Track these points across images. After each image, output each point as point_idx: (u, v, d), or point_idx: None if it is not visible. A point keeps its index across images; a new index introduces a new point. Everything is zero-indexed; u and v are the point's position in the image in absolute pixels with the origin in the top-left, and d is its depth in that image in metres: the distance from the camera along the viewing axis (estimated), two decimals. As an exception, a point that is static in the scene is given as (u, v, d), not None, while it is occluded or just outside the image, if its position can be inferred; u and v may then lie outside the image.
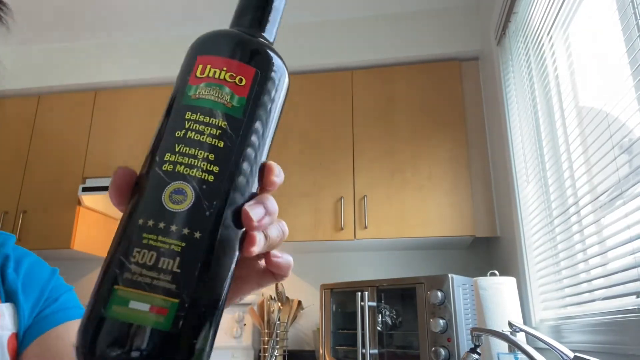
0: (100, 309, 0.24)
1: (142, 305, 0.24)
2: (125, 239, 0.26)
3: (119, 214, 2.35)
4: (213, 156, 0.27)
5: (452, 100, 2.37)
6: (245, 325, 2.39)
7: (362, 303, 1.85)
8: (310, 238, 2.27)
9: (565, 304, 1.44)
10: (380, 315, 1.86)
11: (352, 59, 2.54)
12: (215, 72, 0.29)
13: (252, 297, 2.43)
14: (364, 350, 1.80)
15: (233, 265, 0.28)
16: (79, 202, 2.51)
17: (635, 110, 1.03)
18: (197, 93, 0.29)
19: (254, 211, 0.28)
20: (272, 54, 0.32)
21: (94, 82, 2.76)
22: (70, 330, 0.60)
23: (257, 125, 0.29)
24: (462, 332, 1.68)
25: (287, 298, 2.38)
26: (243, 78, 0.29)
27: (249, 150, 0.29)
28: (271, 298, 2.35)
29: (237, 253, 0.28)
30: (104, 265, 0.26)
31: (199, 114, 0.28)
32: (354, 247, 2.43)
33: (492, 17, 2.12)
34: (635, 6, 1.04)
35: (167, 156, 0.27)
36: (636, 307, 1.02)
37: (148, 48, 2.79)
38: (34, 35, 2.80)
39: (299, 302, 2.40)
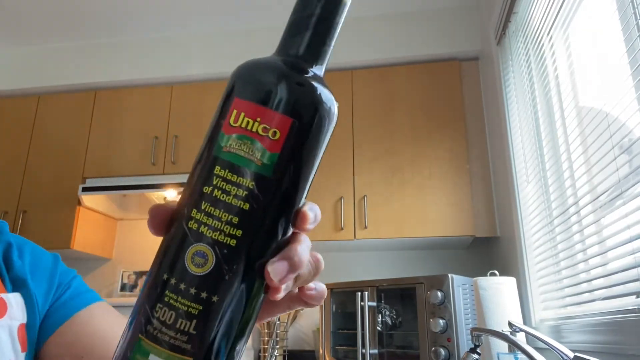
0: (127, 353, 0.26)
1: None
2: (153, 290, 0.27)
3: (119, 214, 2.34)
4: (237, 219, 0.26)
5: (452, 100, 2.37)
6: (245, 325, 2.39)
7: (362, 303, 1.85)
8: (310, 238, 2.26)
9: (565, 304, 1.44)
10: (380, 315, 1.86)
11: (352, 59, 2.54)
12: (249, 122, 0.27)
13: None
14: (363, 350, 1.80)
15: (253, 321, 0.28)
16: (79, 202, 2.51)
17: (635, 110, 1.03)
18: (228, 145, 0.27)
19: (276, 271, 0.27)
20: (317, 94, 0.28)
21: (94, 82, 2.76)
22: (93, 314, 0.59)
23: (287, 183, 0.27)
24: (462, 332, 1.68)
25: (287, 298, 2.38)
26: (277, 131, 0.27)
27: (277, 210, 0.27)
28: (271, 298, 2.34)
29: (260, 302, 0.29)
30: (137, 304, 0.27)
31: (227, 170, 0.27)
32: (353, 247, 2.43)
33: (492, 17, 2.12)
34: (635, 6, 1.04)
35: (194, 212, 0.27)
36: (636, 307, 1.02)
37: (148, 48, 2.79)
38: (34, 35, 2.80)
39: (299, 302, 2.39)
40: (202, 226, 0.27)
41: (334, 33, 0.30)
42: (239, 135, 0.27)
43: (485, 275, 1.63)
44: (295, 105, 0.27)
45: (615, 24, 1.16)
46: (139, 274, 2.70)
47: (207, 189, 0.27)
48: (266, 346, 2.24)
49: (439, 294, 1.71)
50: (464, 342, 1.67)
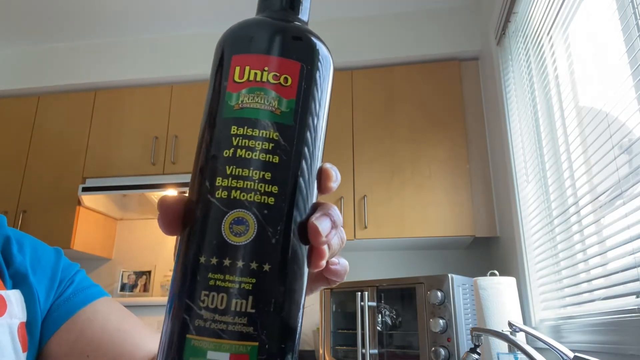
0: None
1: (221, 355, 0.22)
2: (190, 279, 0.24)
3: (119, 214, 2.34)
4: (270, 175, 0.24)
5: (452, 100, 2.37)
6: (245, 325, 2.39)
7: (362, 303, 1.85)
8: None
9: (565, 304, 1.44)
10: (380, 315, 1.86)
11: (352, 59, 2.54)
12: (256, 74, 0.26)
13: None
14: (363, 350, 1.80)
15: (305, 287, 0.26)
16: (79, 202, 2.51)
17: (635, 110, 1.03)
18: (240, 102, 0.25)
19: (322, 225, 0.26)
20: (315, 39, 0.28)
21: (94, 82, 2.76)
22: (97, 310, 0.57)
23: (311, 128, 0.26)
24: (462, 332, 1.68)
25: (287, 298, 2.38)
26: (288, 77, 0.26)
27: (306, 159, 0.26)
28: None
29: (307, 271, 0.26)
30: (171, 308, 0.24)
31: (246, 127, 0.25)
32: (353, 247, 2.43)
33: (492, 17, 2.12)
34: (635, 6, 1.04)
35: (219, 181, 0.24)
36: (636, 307, 1.02)
37: (148, 48, 2.79)
38: (34, 35, 2.80)
39: (299, 302, 2.39)
40: (233, 191, 0.24)
41: None
42: (250, 88, 0.25)
43: (485, 275, 1.63)
44: (299, 49, 0.27)
45: (615, 24, 1.16)
46: (139, 274, 2.70)
47: (227, 152, 0.25)
48: (266, 346, 2.23)
49: (439, 294, 1.71)
50: (464, 342, 1.67)
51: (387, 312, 1.88)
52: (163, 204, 0.26)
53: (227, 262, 0.23)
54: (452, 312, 1.68)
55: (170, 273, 2.63)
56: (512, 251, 1.92)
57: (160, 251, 2.74)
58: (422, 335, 1.71)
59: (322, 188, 0.28)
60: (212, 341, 0.22)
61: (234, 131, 0.25)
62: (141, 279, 2.68)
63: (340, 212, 2.03)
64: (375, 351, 1.82)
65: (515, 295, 1.60)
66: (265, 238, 0.24)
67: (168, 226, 0.26)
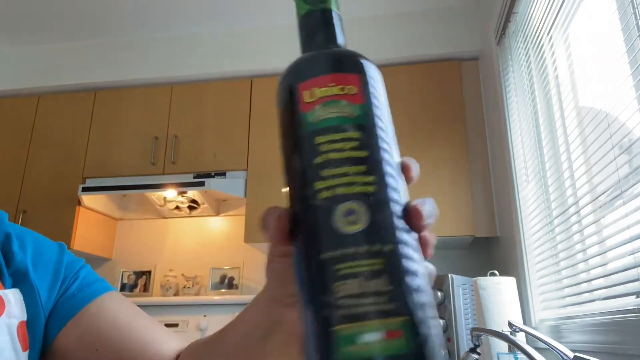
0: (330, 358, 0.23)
1: (376, 335, 0.23)
2: (319, 278, 0.25)
3: (118, 214, 2.33)
4: (364, 168, 0.27)
5: (452, 100, 2.37)
6: (245, 325, 2.39)
7: (362, 303, 1.85)
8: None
9: (565, 304, 1.44)
10: (380, 315, 1.86)
11: (352, 59, 2.54)
12: (324, 90, 0.29)
13: (252, 297, 2.42)
14: (364, 350, 1.80)
15: (423, 259, 0.28)
16: (79, 202, 2.51)
17: (635, 110, 1.03)
18: (317, 116, 0.28)
19: (424, 209, 0.28)
20: (357, 55, 0.32)
21: (94, 82, 2.76)
22: (103, 306, 0.56)
23: (383, 126, 0.30)
24: (462, 332, 1.68)
25: (287, 298, 2.38)
26: (353, 87, 0.29)
27: (389, 152, 0.29)
28: (271, 298, 2.34)
29: (420, 251, 0.28)
30: (304, 311, 0.26)
31: (329, 134, 0.27)
32: (354, 247, 2.43)
33: (492, 17, 2.12)
34: (635, 6, 1.04)
35: (319, 185, 0.26)
36: (636, 307, 1.02)
37: (148, 48, 2.79)
38: (33, 35, 2.80)
39: (299, 302, 2.39)
40: (336, 189, 0.26)
41: (337, 22, 0.34)
42: (322, 103, 0.28)
43: (485, 275, 1.63)
44: (352, 64, 0.30)
45: (615, 24, 1.16)
46: (139, 274, 2.70)
47: (318, 160, 0.27)
48: (266, 346, 2.23)
49: (439, 294, 1.71)
50: (464, 342, 1.67)
51: (387, 312, 1.88)
52: (270, 219, 0.29)
53: (350, 250, 0.24)
54: (452, 312, 1.68)
55: (170, 273, 2.63)
56: (512, 251, 1.92)
57: (160, 251, 2.74)
58: (422, 335, 1.71)
59: (407, 179, 0.30)
60: (362, 324, 0.23)
61: (318, 140, 0.27)
62: (141, 279, 2.68)
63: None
64: (375, 351, 1.82)
65: (515, 295, 1.60)
66: (378, 221, 0.25)
67: (281, 238, 0.28)
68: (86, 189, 2.45)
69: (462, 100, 2.37)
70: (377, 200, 0.26)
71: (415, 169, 0.31)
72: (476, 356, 1.27)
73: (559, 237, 1.51)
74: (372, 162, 0.27)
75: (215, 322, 2.39)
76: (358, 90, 0.29)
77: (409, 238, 0.26)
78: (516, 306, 1.58)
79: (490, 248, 2.36)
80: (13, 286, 0.52)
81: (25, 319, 0.51)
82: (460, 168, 2.25)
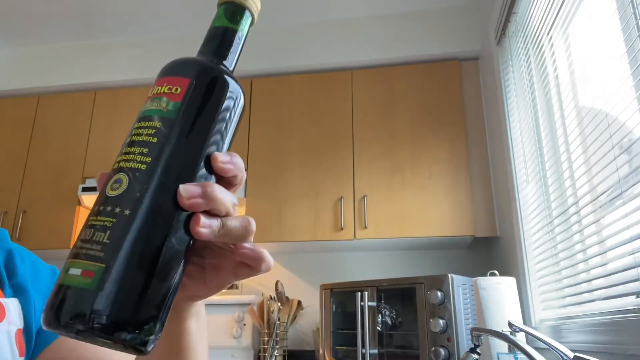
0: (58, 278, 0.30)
1: (76, 270, 0.29)
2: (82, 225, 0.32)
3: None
4: (146, 150, 0.32)
5: (452, 100, 2.37)
6: (245, 325, 2.39)
7: (362, 303, 1.85)
8: (310, 238, 2.27)
9: (565, 304, 1.44)
10: (380, 315, 1.86)
11: (352, 59, 2.54)
12: (159, 88, 0.35)
13: (252, 297, 2.44)
14: (363, 350, 1.80)
15: (172, 239, 0.31)
16: (79, 202, 2.51)
17: (635, 110, 1.03)
18: (145, 107, 0.35)
19: (186, 189, 0.30)
20: (215, 66, 0.36)
21: (94, 82, 2.76)
22: None
23: (192, 121, 0.33)
24: (462, 332, 1.68)
25: (287, 298, 2.38)
26: (179, 87, 0.34)
27: (183, 142, 0.33)
28: (271, 298, 2.35)
29: (182, 238, 0.31)
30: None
31: (142, 122, 0.34)
32: (353, 247, 2.43)
33: (492, 17, 2.12)
34: (635, 6, 1.04)
35: (118, 157, 0.33)
36: (636, 307, 1.02)
37: (148, 48, 2.79)
38: (34, 35, 2.80)
39: (299, 302, 2.40)
40: (121, 162, 0.33)
41: (236, 43, 0.39)
42: (152, 98, 0.35)
43: (485, 275, 1.63)
44: (196, 72, 0.35)
45: (615, 24, 1.16)
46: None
47: (127, 139, 0.34)
48: (266, 346, 2.24)
49: (439, 294, 1.71)
50: (464, 342, 1.67)
51: (387, 312, 1.88)
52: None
53: (101, 207, 0.31)
54: (452, 312, 1.68)
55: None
56: (512, 251, 1.92)
57: (160, 251, 2.74)
58: (422, 335, 1.71)
59: (214, 169, 0.33)
60: (74, 261, 0.29)
61: (136, 125, 0.34)
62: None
63: (341, 212, 2.02)
64: (375, 351, 1.82)
65: (515, 295, 1.60)
66: (132, 192, 0.31)
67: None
68: (86, 189, 2.46)
69: (462, 100, 2.37)
70: (141, 177, 0.31)
71: (222, 161, 0.33)
72: (476, 356, 1.27)
73: (559, 237, 1.51)
74: (155, 147, 0.32)
75: (215, 322, 2.39)
76: (182, 92, 0.34)
77: (157, 209, 0.31)
78: (516, 306, 1.58)
79: (490, 248, 2.36)
80: (13, 296, 0.55)
81: (22, 327, 0.54)
82: (460, 168, 2.25)
